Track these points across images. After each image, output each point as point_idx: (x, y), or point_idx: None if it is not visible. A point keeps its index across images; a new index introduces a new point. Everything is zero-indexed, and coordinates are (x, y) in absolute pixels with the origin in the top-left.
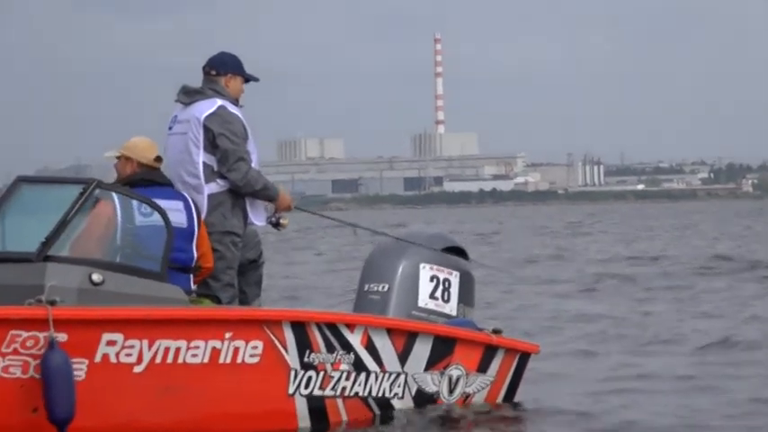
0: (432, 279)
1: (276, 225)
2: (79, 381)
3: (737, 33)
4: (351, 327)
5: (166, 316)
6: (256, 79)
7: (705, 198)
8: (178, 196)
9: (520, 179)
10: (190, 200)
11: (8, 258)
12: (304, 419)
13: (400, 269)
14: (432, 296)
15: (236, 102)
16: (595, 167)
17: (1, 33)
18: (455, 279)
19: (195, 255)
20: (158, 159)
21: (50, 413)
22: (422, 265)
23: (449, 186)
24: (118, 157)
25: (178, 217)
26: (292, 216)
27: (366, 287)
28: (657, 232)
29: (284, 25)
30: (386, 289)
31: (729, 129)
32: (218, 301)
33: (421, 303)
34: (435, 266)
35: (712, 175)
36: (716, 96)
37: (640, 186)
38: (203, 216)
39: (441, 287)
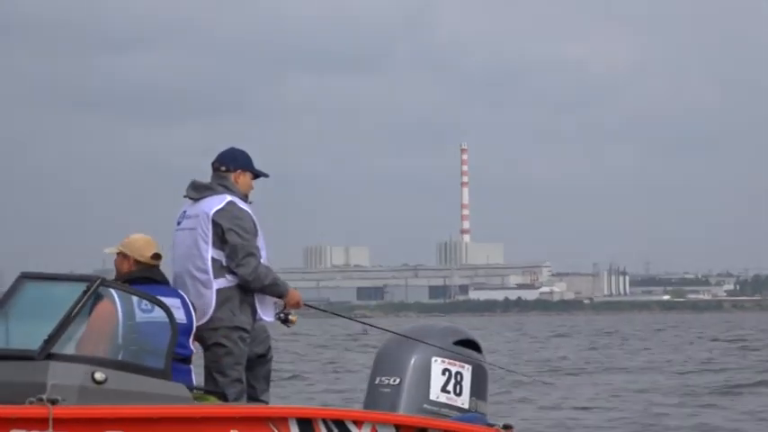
0: (444, 372)
1: (285, 321)
2: None
3: (765, 147)
4: (358, 423)
5: (170, 414)
6: (266, 175)
7: (731, 310)
8: (175, 294)
9: (545, 288)
10: (186, 297)
11: (10, 356)
12: None
13: (412, 362)
14: (444, 390)
15: (245, 198)
16: (621, 277)
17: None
18: (467, 372)
19: (193, 350)
20: (156, 257)
21: None
22: (434, 359)
23: (474, 295)
24: (116, 254)
25: (177, 313)
26: (314, 319)
27: (377, 380)
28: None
29: (311, 133)
30: (397, 382)
31: (756, 240)
32: (223, 397)
33: (433, 397)
34: (447, 360)
35: (738, 286)
36: (742, 208)
37: (666, 297)
38: (211, 312)
39: (453, 380)
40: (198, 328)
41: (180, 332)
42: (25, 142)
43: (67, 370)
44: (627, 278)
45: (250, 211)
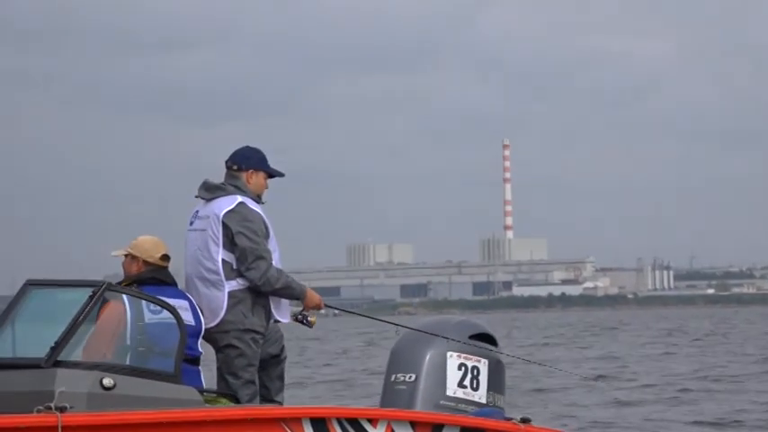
0: (460, 367)
1: (304, 322)
2: None
3: None
4: (373, 421)
5: (181, 418)
6: (281, 174)
7: None
8: (183, 296)
9: (589, 284)
10: (193, 300)
11: (18, 365)
12: None
13: (427, 358)
14: (460, 385)
15: (258, 198)
16: (665, 272)
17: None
18: (484, 367)
19: (201, 352)
20: (165, 258)
21: None
22: (449, 354)
23: (518, 291)
24: (125, 256)
25: (186, 315)
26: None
27: (393, 377)
28: None
29: (355, 128)
30: (413, 379)
31: None
32: (235, 399)
33: (449, 392)
34: (463, 354)
35: None
36: None
37: (710, 291)
38: (222, 314)
39: (469, 375)
40: (209, 330)
41: (189, 334)
42: (69, 145)
43: (75, 377)
44: (671, 272)
45: (261, 213)
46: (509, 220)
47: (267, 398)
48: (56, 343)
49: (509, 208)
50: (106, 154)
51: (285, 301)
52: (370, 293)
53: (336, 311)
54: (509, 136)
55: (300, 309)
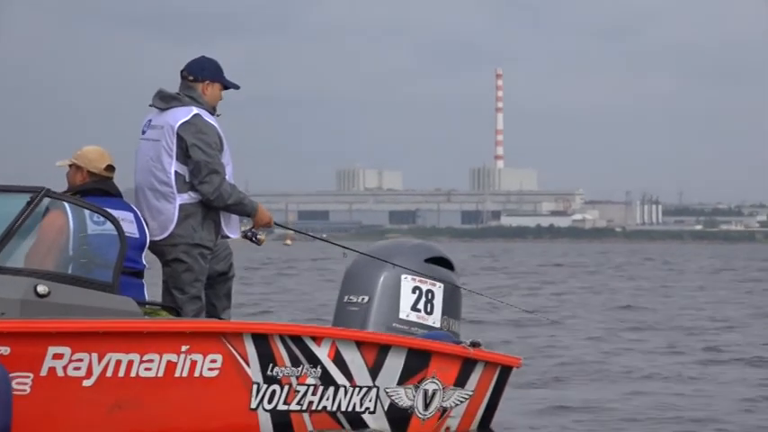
0: (414, 290)
1: (253, 239)
2: (24, 395)
3: None
4: (317, 340)
5: (116, 328)
6: (236, 86)
7: (763, 240)
8: (128, 207)
9: (577, 216)
10: (138, 212)
11: None
12: None
13: (381, 280)
14: (414, 308)
15: (213, 110)
16: (653, 207)
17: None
18: (439, 290)
19: (146, 265)
20: (109, 168)
21: None
22: (403, 276)
23: (506, 221)
24: (69, 166)
25: (129, 227)
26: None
27: (346, 298)
28: None
29: (347, 54)
30: (365, 300)
31: None
32: (176, 312)
33: (402, 315)
34: (418, 277)
35: None
36: None
37: (698, 227)
38: (172, 227)
39: (423, 299)
40: (157, 243)
41: (132, 246)
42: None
43: (9, 283)
44: (660, 207)
45: (216, 125)
46: (500, 150)
47: (214, 315)
48: None
49: (500, 138)
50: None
51: (235, 217)
52: (358, 218)
53: (287, 239)
54: (502, 65)
55: (250, 226)
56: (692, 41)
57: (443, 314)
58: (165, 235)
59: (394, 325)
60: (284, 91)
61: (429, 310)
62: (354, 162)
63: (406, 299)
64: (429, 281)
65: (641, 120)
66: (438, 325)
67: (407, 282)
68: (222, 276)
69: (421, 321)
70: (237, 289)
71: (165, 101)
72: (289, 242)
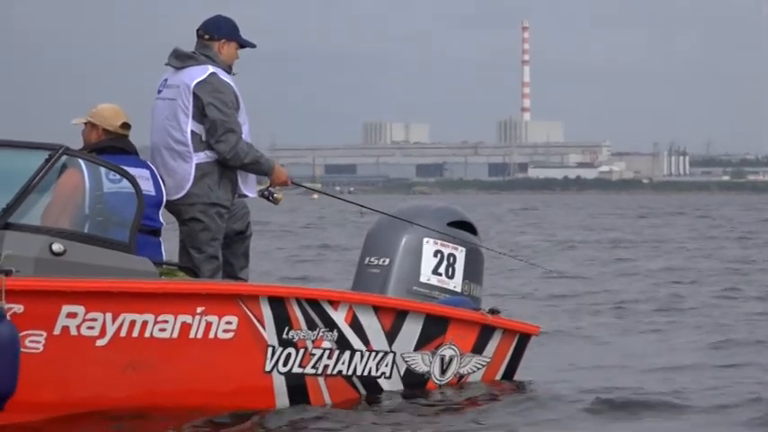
0: (435, 254)
1: (270, 198)
2: (37, 353)
3: None
4: (334, 304)
5: (131, 288)
6: (252, 45)
7: None
8: (144, 165)
9: (604, 168)
10: (155, 169)
11: None
12: (282, 397)
13: (402, 243)
14: (435, 272)
15: (228, 69)
16: (681, 158)
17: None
18: (461, 254)
19: (163, 223)
20: (125, 126)
21: None
22: (425, 240)
23: (533, 173)
24: (85, 124)
25: (146, 185)
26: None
27: (366, 260)
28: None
29: (373, 11)
30: (386, 263)
31: None
32: (194, 274)
33: (423, 279)
34: (440, 241)
35: None
36: None
37: (725, 178)
38: (188, 186)
39: (445, 262)
40: (174, 202)
41: (148, 204)
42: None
43: (24, 240)
44: (687, 158)
45: (233, 84)
46: (526, 102)
47: (231, 274)
48: (7, 205)
49: (527, 90)
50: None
51: (252, 176)
52: (385, 172)
53: (314, 193)
54: (528, 18)
55: (267, 185)
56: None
57: (465, 278)
58: (182, 194)
59: (414, 288)
60: (310, 47)
61: (450, 274)
62: (381, 115)
63: (428, 262)
64: (451, 244)
65: (668, 71)
66: (459, 289)
67: (429, 245)
68: (239, 235)
69: (442, 285)
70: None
71: (180, 60)
72: (315, 196)
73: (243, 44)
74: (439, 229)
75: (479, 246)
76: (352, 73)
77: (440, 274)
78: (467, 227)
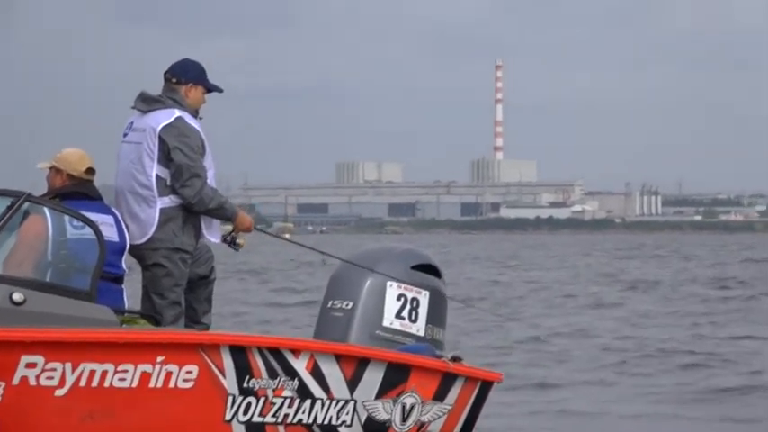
0: (399, 298)
1: (232, 244)
2: None
3: None
4: (296, 352)
5: (90, 338)
6: (219, 90)
7: (763, 230)
8: (108, 211)
9: (577, 207)
10: (119, 215)
11: None
12: None
13: (366, 286)
14: (398, 316)
15: (195, 113)
16: (653, 197)
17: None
18: (424, 298)
19: (125, 270)
20: (90, 171)
21: None
22: (389, 283)
23: (505, 213)
24: (49, 169)
25: (109, 231)
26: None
27: (330, 304)
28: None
29: (350, 44)
30: (349, 306)
31: None
32: (155, 321)
33: (386, 323)
34: (403, 285)
35: None
36: None
37: (698, 218)
38: (152, 231)
39: (408, 306)
40: (137, 247)
41: (112, 251)
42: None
43: None
44: (659, 198)
45: (199, 129)
46: (499, 142)
47: (194, 319)
48: None
49: (499, 129)
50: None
51: (216, 222)
52: (358, 211)
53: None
54: (502, 56)
55: (230, 230)
56: (692, 29)
57: (428, 322)
58: (145, 239)
59: (377, 332)
60: (282, 84)
61: (414, 318)
62: (354, 155)
63: (391, 306)
64: (415, 288)
65: (639, 110)
66: (422, 333)
67: (393, 289)
68: (203, 280)
69: (405, 330)
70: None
71: (147, 103)
72: (287, 236)
73: (210, 89)
74: (403, 272)
75: (443, 289)
76: (324, 110)
77: (403, 318)
78: (431, 270)
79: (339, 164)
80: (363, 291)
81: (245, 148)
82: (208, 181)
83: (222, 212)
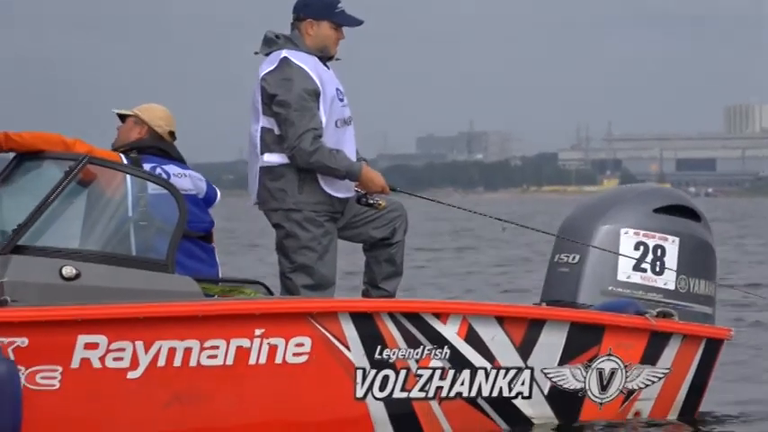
0: (637, 246)
1: (368, 205)
2: (53, 390)
3: None
4: (441, 316)
5: (154, 313)
6: (354, 23)
7: None
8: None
9: None
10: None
11: None
12: (384, 426)
13: (594, 236)
14: (637, 268)
15: (319, 52)
16: None
17: None
18: (672, 245)
19: (212, 221)
20: (172, 135)
21: None
22: (623, 230)
23: None
24: (128, 117)
25: (199, 185)
26: None
27: (556, 258)
28: None
29: None
30: (576, 260)
31: None
32: (266, 289)
33: (621, 277)
34: (642, 231)
35: None
36: None
37: None
38: (256, 190)
39: (650, 256)
40: (260, 208)
41: (195, 204)
42: None
43: (29, 265)
44: None
45: (308, 69)
46: None
47: (372, 283)
48: (19, 225)
49: None
50: None
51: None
52: (753, 167)
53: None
54: None
55: (364, 190)
56: None
57: (680, 273)
58: (255, 199)
59: (611, 288)
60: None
61: (658, 269)
62: (748, 97)
63: (627, 257)
64: (658, 234)
65: None
66: (672, 287)
67: (628, 237)
68: (383, 241)
69: (646, 283)
70: None
71: (267, 44)
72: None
73: (339, 23)
74: (643, 216)
75: (702, 234)
76: (714, 43)
77: (644, 270)
78: (685, 211)
79: (728, 108)
80: (591, 241)
81: (608, 90)
82: (317, 129)
83: (330, 171)
